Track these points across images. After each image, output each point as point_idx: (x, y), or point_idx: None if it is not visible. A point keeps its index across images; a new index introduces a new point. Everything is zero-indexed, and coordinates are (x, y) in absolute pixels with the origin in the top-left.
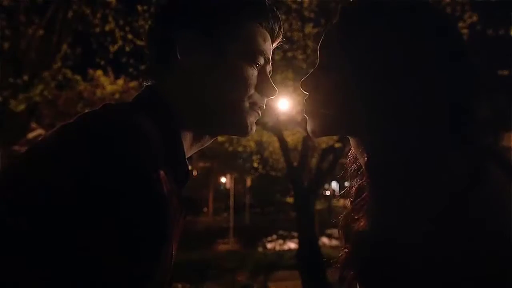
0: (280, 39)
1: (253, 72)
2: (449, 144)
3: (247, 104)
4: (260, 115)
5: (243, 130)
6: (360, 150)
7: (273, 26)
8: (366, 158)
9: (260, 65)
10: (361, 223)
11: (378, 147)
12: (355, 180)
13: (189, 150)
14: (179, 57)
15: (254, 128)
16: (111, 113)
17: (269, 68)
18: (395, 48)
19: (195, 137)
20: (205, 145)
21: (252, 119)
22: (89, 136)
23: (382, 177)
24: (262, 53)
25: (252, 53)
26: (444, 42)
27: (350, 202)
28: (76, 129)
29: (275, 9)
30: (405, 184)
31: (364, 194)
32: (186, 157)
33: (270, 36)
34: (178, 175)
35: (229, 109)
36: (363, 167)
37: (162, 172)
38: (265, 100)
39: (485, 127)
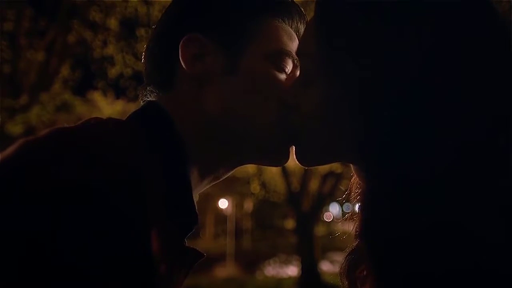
0: None
1: (281, 78)
2: (491, 180)
3: (278, 121)
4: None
5: (276, 158)
6: (363, 177)
7: (298, 25)
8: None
9: (289, 69)
10: None
11: (382, 185)
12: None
13: (199, 185)
14: (184, 65)
15: (289, 154)
16: (84, 138)
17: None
18: (406, 49)
19: (207, 169)
20: (221, 179)
21: (287, 142)
22: (47, 175)
23: (388, 248)
24: (289, 54)
25: (277, 54)
26: (488, 36)
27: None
28: (36, 160)
29: (299, 6)
30: (428, 251)
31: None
32: (193, 195)
33: (297, 37)
34: (182, 218)
35: (253, 130)
36: None
37: (148, 230)
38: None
39: None
